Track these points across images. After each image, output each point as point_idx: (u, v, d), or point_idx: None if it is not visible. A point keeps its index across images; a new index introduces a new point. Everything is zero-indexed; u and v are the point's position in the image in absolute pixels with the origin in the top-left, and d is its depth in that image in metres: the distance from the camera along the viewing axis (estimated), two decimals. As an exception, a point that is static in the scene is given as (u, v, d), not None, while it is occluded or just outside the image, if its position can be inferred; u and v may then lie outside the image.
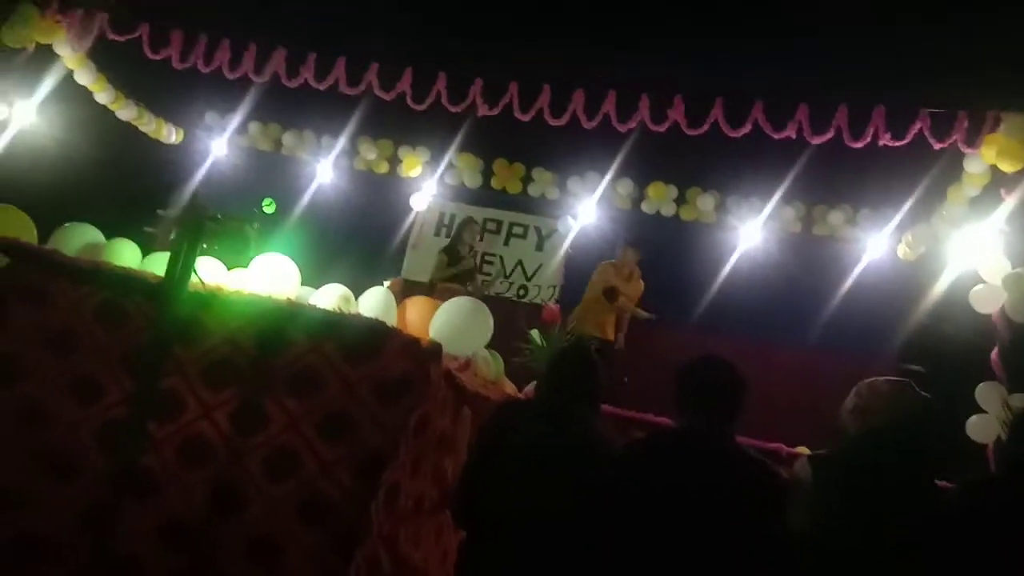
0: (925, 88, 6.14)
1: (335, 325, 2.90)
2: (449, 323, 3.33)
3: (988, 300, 5.69)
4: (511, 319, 7.87)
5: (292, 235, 5.68)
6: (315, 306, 3.10)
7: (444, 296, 6.68)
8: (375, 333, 2.88)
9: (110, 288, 3.03)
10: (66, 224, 3.67)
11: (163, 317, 2.66)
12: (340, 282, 3.76)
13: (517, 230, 8.96)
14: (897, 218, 7.29)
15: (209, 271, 3.28)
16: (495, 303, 8.31)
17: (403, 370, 2.84)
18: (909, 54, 6.95)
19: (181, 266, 2.64)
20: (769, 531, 2.40)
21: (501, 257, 8.86)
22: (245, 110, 8.36)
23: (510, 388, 4.85)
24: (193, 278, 2.72)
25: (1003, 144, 5.66)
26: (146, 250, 3.72)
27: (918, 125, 5.93)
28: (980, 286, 5.74)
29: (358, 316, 3.12)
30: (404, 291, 8.01)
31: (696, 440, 2.54)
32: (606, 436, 2.81)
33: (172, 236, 3.36)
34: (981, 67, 6.54)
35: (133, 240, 3.74)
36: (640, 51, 7.17)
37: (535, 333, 6.21)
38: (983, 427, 5.43)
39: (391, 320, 3.39)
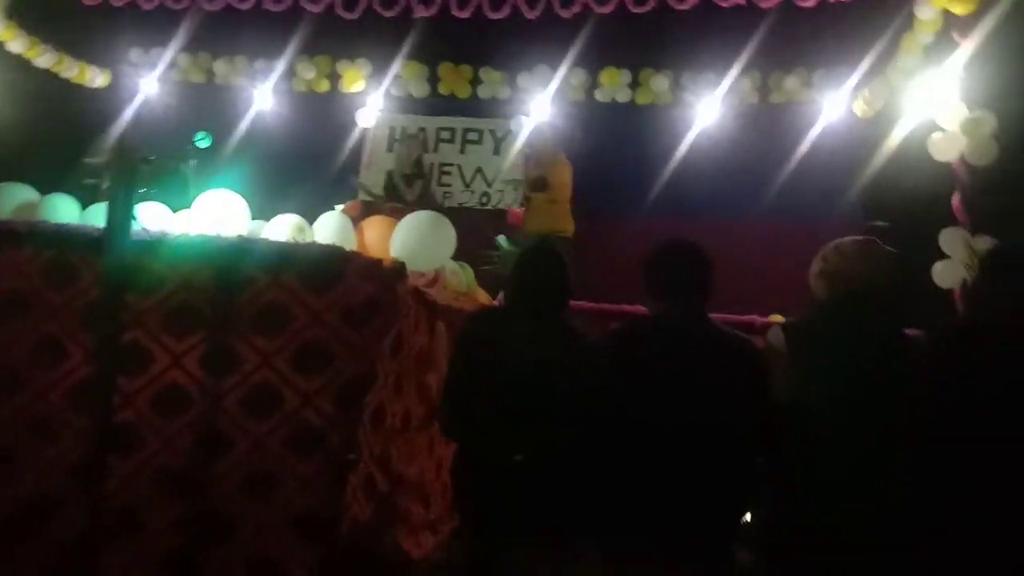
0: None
1: (292, 256, 2.82)
2: (410, 240, 3.25)
3: (947, 147, 5.67)
4: (477, 228, 7.81)
5: (236, 168, 5.44)
6: (269, 239, 3.00)
7: (401, 215, 6.65)
8: (334, 259, 2.80)
9: (52, 246, 2.90)
10: (-1, 185, 3.48)
11: (110, 269, 2.55)
12: (293, 212, 3.64)
13: (472, 136, 8.73)
14: (854, 77, 7.19)
15: (152, 216, 3.15)
16: (459, 213, 8.29)
17: (368, 293, 2.79)
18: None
19: (120, 214, 2.51)
20: (759, 404, 2.42)
21: (459, 166, 8.65)
22: (171, 42, 7.93)
23: (483, 298, 4.83)
24: (135, 225, 2.60)
25: (953, -15, 5.52)
26: (85, 203, 3.56)
27: (867, -28, 5.75)
28: (938, 134, 5.71)
29: (314, 244, 3.02)
30: (363, 212, 7.92)
31: (672, 324, 2.53)
32: (580, 330, 2.81)
33: (104, 184, 3.19)
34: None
35: (70, 195, 3.56)
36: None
37: (502, 239, 6.16)
38: (948, 272, 5.53)
39: (350, 244, 3.30)
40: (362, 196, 8.10)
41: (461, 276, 4.28)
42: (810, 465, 2.44)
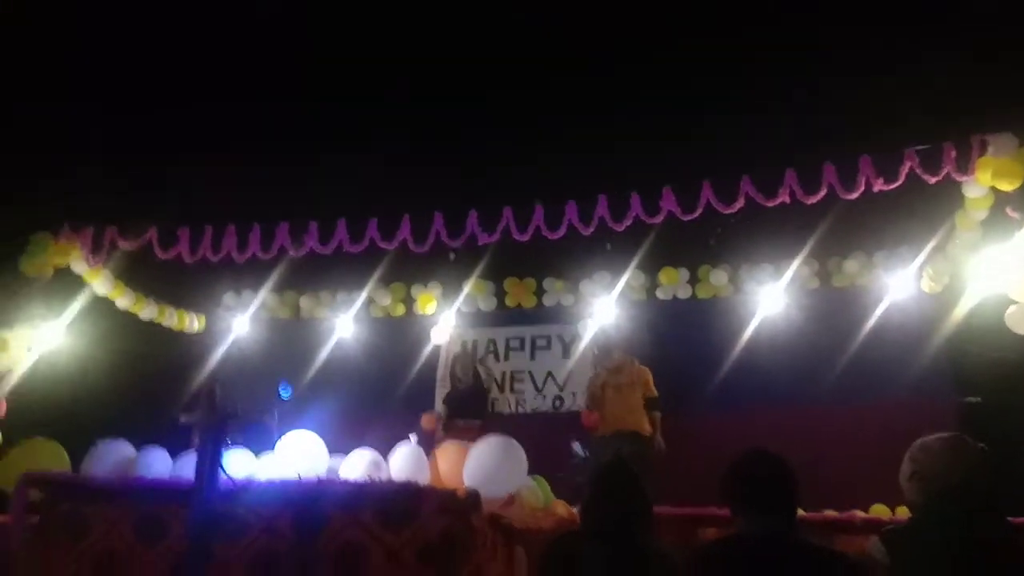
0: (906, 128, 6.24)
1: (368, 494, 2.88)
2: (482, 466, 3.28)
3: (1024, 319, 5.56)
4: (552, 433, 7.82)
5: (317, 404, 5.71)
6: (346, 479, 3.09)
7: (469, 434, 6.74)
8: (409, 495, 2.85)
9: (144, 502, 3.05)
10: (96, 443, 3.73)
11: (198, 521, 2.66)
12: (375, 438, 3.75)
13: (540, 342, 8.97)
14: (919, 257, 7.20)
15: (237, 464, 3.30)
16: (533, 419, 8.35)
17: (444, 526, 2.80)
18: (882, 99, 7.13)
19: (208, 466, 2.67)
20: None
21: (530, 372, 8.82)
22: (260, 285, 8.65)
23: (563, 510, 4.73)
24: (222, 475, 2.74)
25: (996, 165, 5.67)
26: (178, 451, 3.77)
27: (907, 164, 5.94)
28: (1014, 307, 5.61)
29: (390, 481, 3.09)
30: (440, 427, 8.04)
31: (758, 543, 2.45)
32: (662, 551, 2.72)
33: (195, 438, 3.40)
34: (955, 97, 6.68)
35: (165, 443, 3.79)
36: (619, 151, 7.42)
37: (577, 446, 6.13)
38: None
39: (424, 475, 3.36)
40: (439, 410, 8.28)
41: (538, 492, 4.24)
42: None
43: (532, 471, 4.80)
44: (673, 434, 7.20)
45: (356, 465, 3.36)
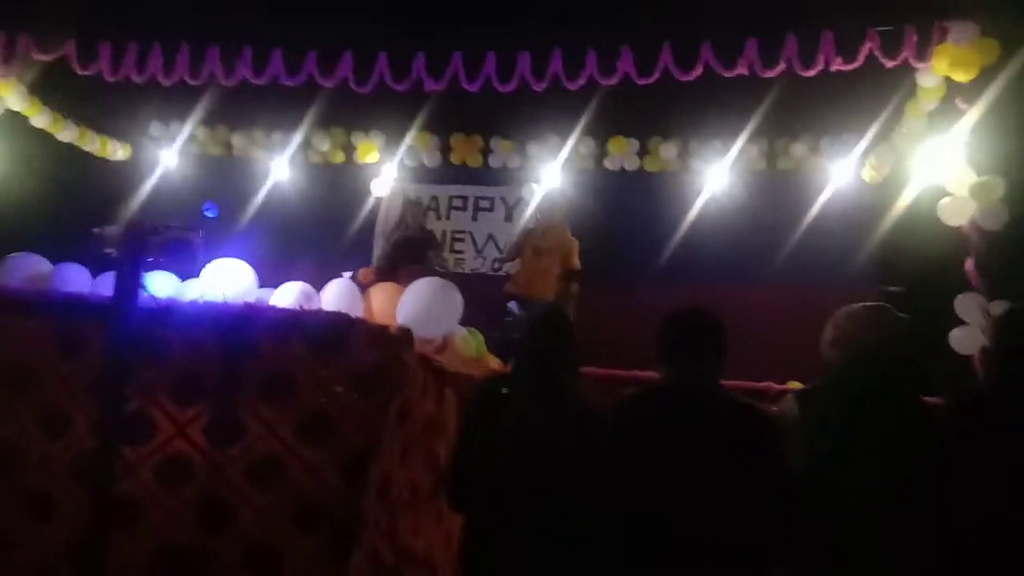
0: (870, 8, 6.08)
1: (298, 323, 2.81)
2: (416, 306, 3.24)
3: (957, 212, 5.70)
4: (489, 294, 7.84)
5: (247, 237, 5.54)
6: (275, 306, 3.01)
7: (409, 280, 6.68)
8: (340, 326, 2.80)
9: (61, 316, 2.92)
10: (10, 255, 3.53)
11: (118, 337, 2.56)
12: (307, 280, 3.66)
13: (484, 203, 8.86)
14: (861, 143, 7.26)
15: (161, 285, 3.17)
16: (472, 280, 8.35)
17: (375, 360, 2.77)
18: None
19: (128, 283, 2.53)
20: (771, 472, 2.39)
21: (471, 233, 8.77)
22: (190, 116, 8.15)
23: (494, 364, 4.79)
24: (144, 294, 2.62)
25: (954, 54, 5.62)
26: (97, 272, 3.60)
27: (867, 46, 5.85)
28: (947, 199, 5.74)
29: (321, 311, 3.03)
30: (377, 279, 7.96)
31: (685, 391, 2.53)
32: (590, 397, 2.77)
33: (114, 253, 3.24)
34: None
35: (84, 262, 3.61)
36: (580, 5, 7.06)
37: (513, 304, 6.18)
38: (966, 339, 5.47)
39: (357, 311, 3.30)
40: (376, 262, 8.19)
41: (471, 342, 4.26)
42: (824, 532, 2.40)
43: (466, 323, 4.83)
44: (613, 305, 7.34)
45: (287, 296, 3.28)
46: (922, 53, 5.76)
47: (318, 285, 3.70)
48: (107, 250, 3.72)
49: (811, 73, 5.98)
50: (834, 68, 5.96)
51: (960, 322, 5.57)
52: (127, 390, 2.64)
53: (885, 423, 2.57)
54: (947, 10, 5.75)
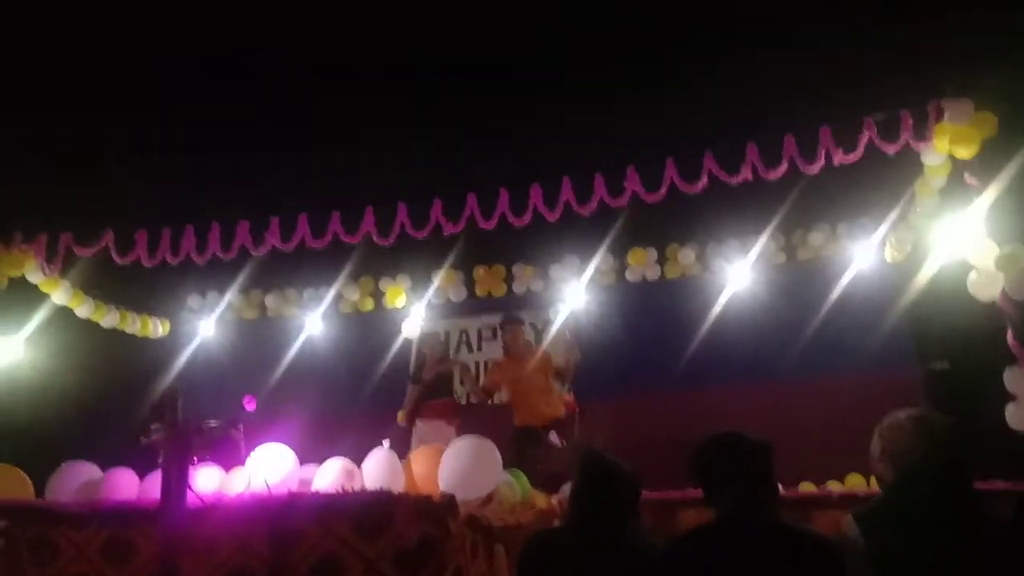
0: (864, 98, 6.26)
1: (342, 504, 2.83)
2: (457, 469, 3.25)
3: (987, 285, 5.63)
4: (494, 423, 7.77)
5: (285, 413, 5.63)
6: (319, 491, 3.04)
7: (431, 415, 6.73)
8: (383, 504, 2.81)
9: (111, 524, 2.98)
10: (61, 465, 3.64)
11: (167, 541, 2.60)
12: (349, 437, 3.70)
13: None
14: (879, 225, 7.27)
15: (206, 480, 3.23)
16: (507, 409, 8.31)
17: (421, 533, 2.77)
18: (839, 71, 7.16)
19: (174, 485, 2.60)
20: None
21: (504, 361, 8.77)
22: (226, 285, 8.51)
23: (542, 501, 4.72)
24: (189, 493, 2.68)
25: (953, 132, 5.71)
26: (146, 470, 3.68)
27: (866, 135, 5.98)
28: (975, 274, 5.68)
29: (363, 491, 3.04)
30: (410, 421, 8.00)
31: (740, 526, 2.45)
32: (643, 543, 2.71)
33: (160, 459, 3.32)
34: (910, 66, 6.72)
35: (132, 462, 3.70)
36: (582, 133, 7.38)
37: (553, 435, 6.13)
38: (1021, 415, 5.29)
39: (398, 481, 3.31)
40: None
41: (515, 486, 4.21)
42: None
43: (508, 462, 4.80)
44: (646, 415, 7.25)
45: (329, 475, 3.31)
46: (921, 134, 5.86)
47: (360, 446, 3.73)
48: (145, 441, 3.82)
49: (814, 169, 6.10)
50: (837, 161, 6.08)
51: (1011, 397, 5.40)
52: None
53: (952, 536, 2.48)
54: (939, 90, 5.88)
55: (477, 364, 8.70)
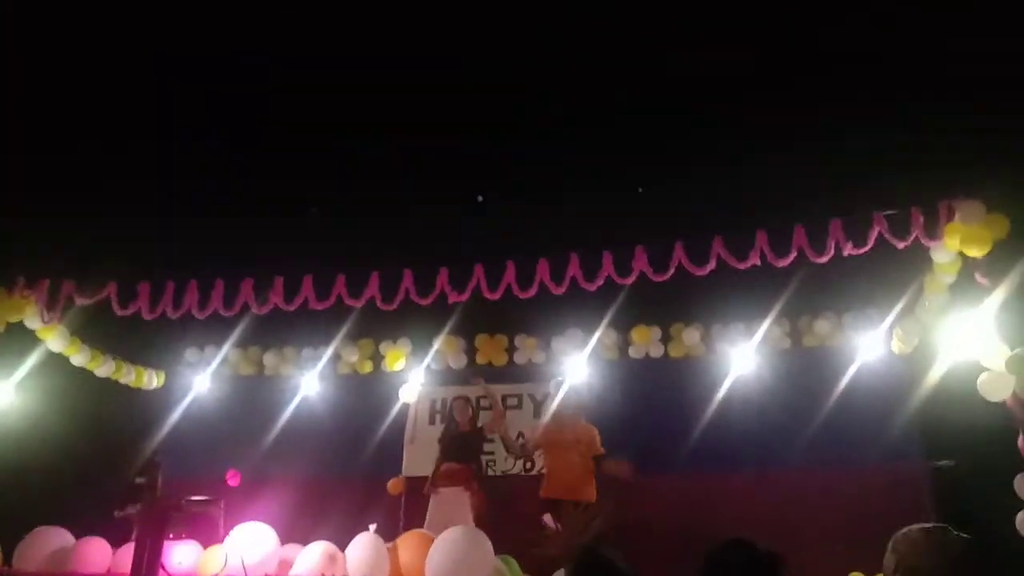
0: (875, 194, 6.27)
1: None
2: (447, 560, 3.10)
3: (998, 387, 5.53)
4: (523, 496, 7.62)
5: (269, 487, 5.49)
6: (299, 577, 2.89)
7: (447, 481, 6.58)
8: (366, 595, 2.66)
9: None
10: (33, 531, 3.49)
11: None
12: (338, 510, 3.56)
13: (511, 401, 8.77)
14: (886, 317, 7.21)
15: (182, 557, 3.08)
16: (503, 482, 8.13)
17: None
18: (852, 163, 7.22)
19: (148, 566, 2.47)
20: None
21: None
22: (224, 340, 8.42)
23: (533, 588, 4.55)
24: (161, 573, 2.54)
25: (964, 232, 5.70)
26: (119, 539, 3.53)
27: (876, 229, 5.97)
28: (986, 375, 5.59)
29: (345, 582, 2.90)
30: (408, 488, 7.82)
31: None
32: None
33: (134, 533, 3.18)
34: (921, 163, 6.77)
35: (106, 531, 3.55)
36: (592, 209, 7.39)
37: (547, 517, 5.94)
38: (1033, 522, 5.13)
39: (383, 569, 3.16)
40: (406, 471, 8.06)
41: (506, 574, 4.05)
42: None
43: (503, 539, 4.63)
44: (645, 496, 7.06)
45: (310, 560, 3.16)
46: (931, 232, 5.85)
47: (348, 522, 3.59)
48: (119, 515, 3.67)
49: (823, 260, 6.07)
50: (846, 253, 6.04)
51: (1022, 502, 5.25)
52: None
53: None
54: (951, 190, 5.89)
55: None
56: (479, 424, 7.33)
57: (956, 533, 2.73)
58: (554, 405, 7.61)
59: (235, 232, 7.87)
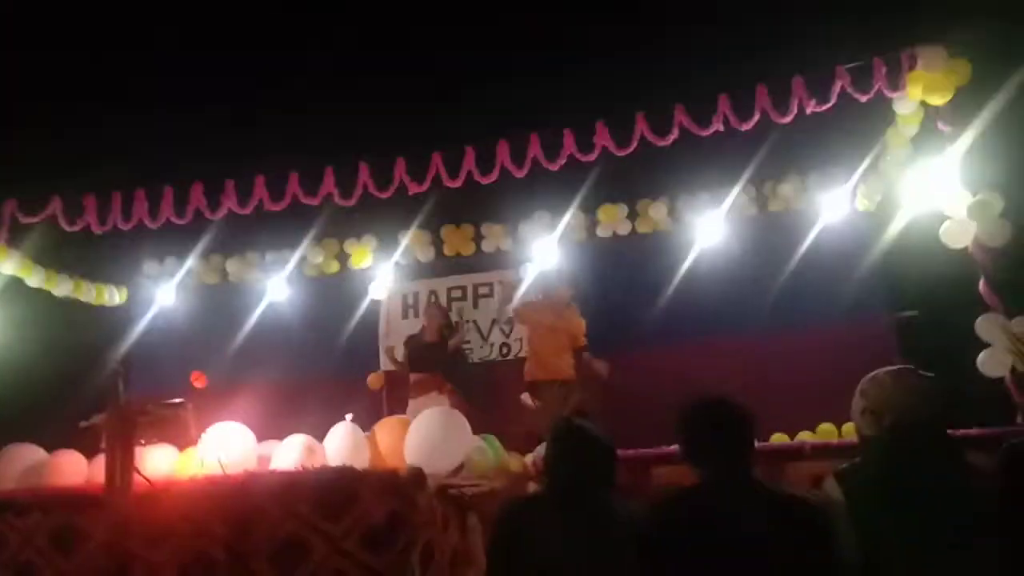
0: (837, 48, 6.11)
1: (303, 483, 2.69)
2: (425, 441, 3.12)
3: (959, 234, 5.61)
4: (501, 381, 7.72)
5: (243, 388, 5.45)
6: (277, 470, 2.89)
7: (416, 394, 6.66)
8: (347, 480, 2.67)
9: (56, 511, 2.81)
10: (5, 448, 3.45)
11: (115, 527, 2.45)
12: (311, 415, 3.56)
13: (483, 290, 8.75)
14: (853, 175, 7.19)
15: (157, 462, 3.07)
16: (481, 368, 8.22)
17: (389, 509, 2.65)
18: (811, 18, 7.00)
19: (121, 472, 2.43)
20: (831, 569, 2.27)
21: (475, 321, 8.64)
22: (184, 250, 8.22)
23: (516, 464, 4.65)
24: (136, 478, 2.52)
25: (926, 79, 5.62)
26: (93, 451, 3.51)
27: (838, 83, 5.84)
28: (948, 222, 5.64)
29: (325, 468, 2.90)
30: (389, 382, 7.89)
31: (725, 492, 2.39)
32: (621, 511, 2.63)
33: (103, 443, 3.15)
34: (882, 13, 6.57)
35: (79, 438, 3.52)
36: (548, 87, 7.15)
37: (525, 396, 6.04)
38: (994, 361, 5.31)
39: (362, 456, 3.18)
40: (385, 366, 8.10)
41: (487, 452, 4.11)
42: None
43: (484, 423, 4.69)
44: (618, 371, 7.19)
45: (289, 453, 3.16)
46: (894, 83, 5.74)
47: (324, 420, 3.58)
48: (84, 424, 3.64)
49: (787, 120, 5.96)
50: (809, 111, 5.94)
51: (984, 344, 5.41)
52: (134, 578, 2.51)
53: (936, 492, 2.45)
54: (913, 38, 5.76)
55: (460, 322, 8.51)
56: (446, 337, 7.30)
57: (921, 373, 2.78)
58: (526, 289, 7.65)
59: (181, 136, 7.52)
